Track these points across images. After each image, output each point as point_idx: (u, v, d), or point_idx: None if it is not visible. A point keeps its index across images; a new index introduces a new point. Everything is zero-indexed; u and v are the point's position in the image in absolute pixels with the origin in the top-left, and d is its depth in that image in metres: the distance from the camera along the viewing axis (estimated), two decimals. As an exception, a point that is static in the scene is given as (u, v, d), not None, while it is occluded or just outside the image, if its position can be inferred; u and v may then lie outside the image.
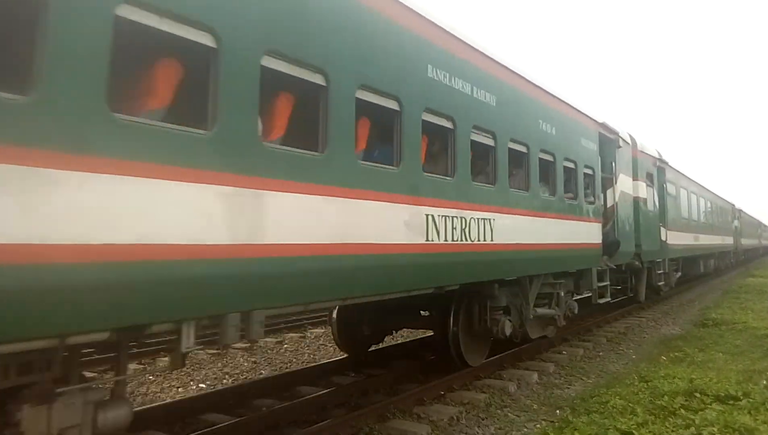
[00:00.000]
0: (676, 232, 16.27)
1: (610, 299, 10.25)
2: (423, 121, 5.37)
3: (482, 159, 6.65)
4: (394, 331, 8.90)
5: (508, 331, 7.12)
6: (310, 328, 11.29)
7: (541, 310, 7.96)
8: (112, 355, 3.60)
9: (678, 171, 17.58)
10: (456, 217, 5.73)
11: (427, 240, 5.30)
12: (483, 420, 5.68)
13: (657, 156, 14.80)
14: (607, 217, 10.31)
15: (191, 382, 7.34)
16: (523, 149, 7.28)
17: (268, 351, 9.18)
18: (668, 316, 13.53)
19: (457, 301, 6.96)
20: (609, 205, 10.57)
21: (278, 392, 6.44)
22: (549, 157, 7.98)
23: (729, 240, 29.20)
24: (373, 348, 8.29)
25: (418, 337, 9.62)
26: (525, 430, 5.39)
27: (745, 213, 40.57)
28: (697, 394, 6.05)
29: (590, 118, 9.81)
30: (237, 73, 3.56)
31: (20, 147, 2.52)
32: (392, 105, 5.05)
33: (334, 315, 7.72)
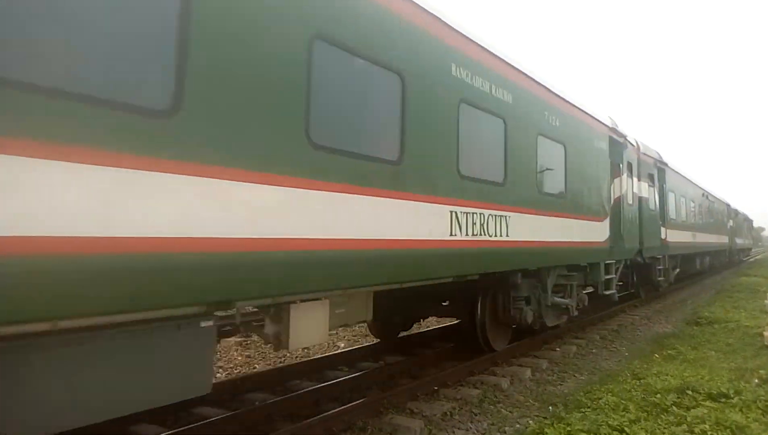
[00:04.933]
0: (675, 230, 16.60)
1: (615, 291, 10.74)
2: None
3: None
4: (422, 319, 9.87)
5: (529, 318, 7.86)
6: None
7: (557, 299, 8.68)
8: None
9: (677, 171, 17.89)
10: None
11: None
12: (476, 415, 5.69)
13: (658, 157, 15.21)
14: (613, 215, 10.67)
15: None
16: (559, 160, 8.20)
17: (262, 345, 9.13)
18: (661, 315, 13.59)
19: (483, 290, 7.61)
20: (615, 204, 10.96)
21: (272, 386, 6.44)
22: (576, 163, 8.68)
23: (724, 239, 29.44)
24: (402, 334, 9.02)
25: (419, 331, 9.64)
26: (518, 425, 5.40)
27: (740, 213, 40.73)
28: (689, 392, 6.09)
29: (602, 123, 10.26)
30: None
31: None
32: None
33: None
